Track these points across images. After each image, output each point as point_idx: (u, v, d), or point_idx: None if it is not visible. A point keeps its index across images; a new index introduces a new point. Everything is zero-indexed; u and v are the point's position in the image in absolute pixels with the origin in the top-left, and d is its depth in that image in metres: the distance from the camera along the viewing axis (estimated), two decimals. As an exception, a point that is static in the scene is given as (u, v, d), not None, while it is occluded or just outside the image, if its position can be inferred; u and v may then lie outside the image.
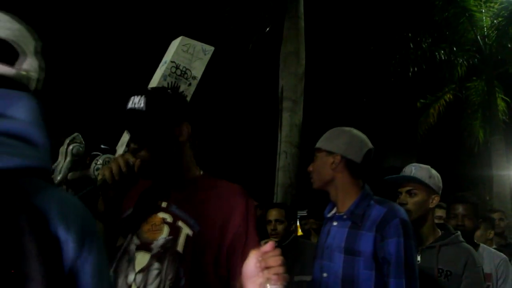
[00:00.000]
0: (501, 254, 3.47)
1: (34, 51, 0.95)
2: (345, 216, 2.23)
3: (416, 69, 11.71)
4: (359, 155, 2.27)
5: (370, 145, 2.32)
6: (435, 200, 2.61)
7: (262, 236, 3.77)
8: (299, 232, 5.40)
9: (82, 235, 0.81)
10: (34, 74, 0.94)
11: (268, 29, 9.67)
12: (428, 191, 2.58)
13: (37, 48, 0.96)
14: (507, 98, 12.16)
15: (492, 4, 11.16)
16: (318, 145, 2.34)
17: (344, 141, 2.29)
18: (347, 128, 2.36)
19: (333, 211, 2.36)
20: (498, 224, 4.60)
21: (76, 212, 0.82)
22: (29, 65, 0.93)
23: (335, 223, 2.27)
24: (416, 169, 2.60)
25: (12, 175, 0.76)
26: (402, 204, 2.53)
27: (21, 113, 0.83)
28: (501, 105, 12.11)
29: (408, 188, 2.58)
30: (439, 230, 2.65)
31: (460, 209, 3.25)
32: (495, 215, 4.65)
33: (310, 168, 2.35)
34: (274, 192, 7.87)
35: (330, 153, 2.28)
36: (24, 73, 0.92)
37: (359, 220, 2.18)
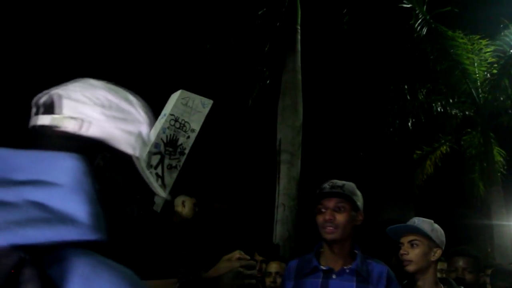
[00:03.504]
0: None
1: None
2: (348, 271, 2.26)
3: (413, 120, 11.83)
4: None
5: None
6: (437, 253, 2.59)
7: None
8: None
9: None
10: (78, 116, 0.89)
11: (267, 82, 9.83)
12: (430, 243, 2.56)
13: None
14: (502, 150, 12.24)
15: (484, 53, 11.38)
16: (347, 193, 2.28)
17: (362, 198, 2.37)
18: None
19: (324, 265, 2.32)
20: None
21: None
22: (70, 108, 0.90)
23: (334, 277, 2.27)
24: (419, 221, 2.61)
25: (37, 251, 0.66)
26: (403, 255, 2.54)
27: (57, 177, 0.73)
28: (498, 156, 12.16)
29: (410, 238, 2.57)
30: (441, 284, 2.61)
31: (460, 262, 3.25)
32: None
33: (330, 217, 2.26)
34: (273, 245, 7.78)
35: (357, 209, 2.32)
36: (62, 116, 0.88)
37: (366, 275, 2.24)
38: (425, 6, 10.31)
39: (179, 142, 5.67)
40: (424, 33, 10.72)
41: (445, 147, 13.16)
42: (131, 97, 1.00)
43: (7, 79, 11.36)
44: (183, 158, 5.72)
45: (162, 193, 1.02)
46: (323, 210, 2.29)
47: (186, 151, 5.76)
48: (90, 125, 0.89)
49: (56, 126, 0.87)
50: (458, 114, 12.13)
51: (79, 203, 0.71)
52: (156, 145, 5.93)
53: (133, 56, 13.44)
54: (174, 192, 5.36)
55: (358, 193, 2.36)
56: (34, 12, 12.53)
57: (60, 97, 0.90)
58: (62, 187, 0.72)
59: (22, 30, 12.63)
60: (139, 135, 0.96)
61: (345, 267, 2.27)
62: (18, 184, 0.72)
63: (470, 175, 12.87)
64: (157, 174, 5.89)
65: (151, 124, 1.00)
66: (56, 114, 0.88)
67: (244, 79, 9.88)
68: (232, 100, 10.38)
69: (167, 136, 5.57)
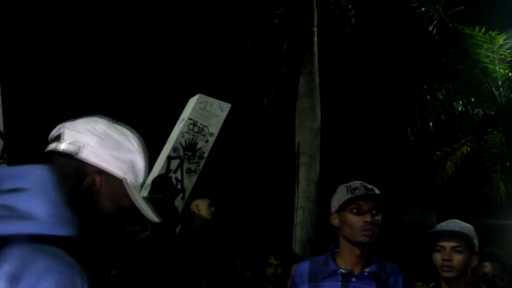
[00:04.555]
0: None
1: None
2: (367, 274, 2.23)
3: (435, 119, 11.70)
4: None
5: None
6: (476, 260, 2.51)
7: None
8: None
9: None
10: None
11: (285, 82, 9.81)
12: (471, 250, 2.48)
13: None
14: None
15: (504, 50, 11.21)
16: (380, 196, 2.28)
17: None
18: None
19: (343, 268, 2.27)
20: None
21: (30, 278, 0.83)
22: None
23: (354, 280, 2.23)
24: (462, 227, 2.50)
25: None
26: (446, 260, 2.46)
27: (27, 184, 0.94)
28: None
29: (454, 244, 2.47)
30: None
31: (489, 267, 3.11)
32: None
33: (371, 220, 2.22)
34: (292, 247, 7.76)
35: (382, 213, 2.30)
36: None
37: (385, 278, 2.23)
38: (440, 7, 10.22)
39: (198, 146, 5.69)
40: (442, 33, 10.62)
41: (466, 148, 12.98)
42: (129, 132, 1.22)
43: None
44: (202, 162, 5.74)
45: (153, 217, 1.19)
46: (360, 211, 2.24)
47: (205, 155, 5.78)
48: (86, 150, 1.11)
49: (60, 150, 1.11)
50: (479, 114, 11.95)
51: (39, 204, 0.90)
52: (175, 149, 5.96)
53: (151, 62, 13.54)
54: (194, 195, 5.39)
55: None
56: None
57: (66, 128, 1.14)
58: (28, 191, 0.92)
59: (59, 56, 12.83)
60: (131, 162, 1.17)
61: (364, 270, 2.24)
62: (2, 192, 0.93)
63: (491, 175, 12.67)
64: (176, 178, 5.91)
65: (145, 155, 1.21)
66: (61, 141, 1.12)
67: (262, 80, 9.86)
68: (250, 103, 10.39)
69: (186, 140, 5.59)
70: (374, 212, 2.22)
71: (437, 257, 2.51)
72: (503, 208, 12.72)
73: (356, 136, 13.76)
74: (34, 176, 0.96)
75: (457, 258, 2.45)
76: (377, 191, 2.28)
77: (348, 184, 2.32)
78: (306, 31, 9.24)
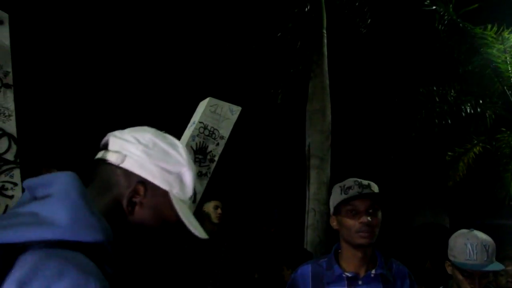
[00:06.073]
0: None
1: None
2: (373, 276, 2.13)
3: (443, 122, 11.64)
4: None
5: None
6: None
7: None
8: None
9: None
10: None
11: (295, 83, 9.81)
12: None
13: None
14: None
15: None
16: (377, 193, 2.13)
17: None
18: None
19: (349, 272, 2.16)
20: None
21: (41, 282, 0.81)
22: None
23: (360, 283, 2.12)
24: (493, 256, 2.40)
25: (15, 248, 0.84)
26: (488, 283, 2.47)
27: (53, 190, 0.94)
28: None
29: (485, 271, 2.43)
30: None
31: (511, 266, 3.15)
32: None
33: (366, 221, 2.07)
34: (304, 250, 7.75)
35: (381, 209, 2.17)
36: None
37: (392, 279, 2.14)
38: (451, 6, 10.17)
39: (209, 150, 5.71)
40: (452, 33, 10.56)
41: (478, 148, 12.88)
42: (178, 144, 1.17)
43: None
44: (213, 165, 5.76)
45: (197, 232, 1.15)
46: (356, 212, 2.09)
47: (216, 158, 5.79)
48: (130, 159, 1.08)
49: (104, 158, 1.10)
50: (491, 114, 11.86)
51: (60, 209, 0.89)
52: (186, 152, 5.98)
53: (161, 65, 13.61)
54: (205, 198, 5.40)
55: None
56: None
57: (113, 136, 1.13)
58: (52, 197, 0.92)
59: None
60: (178, 174, 1.13)
61: (370, 272, 2.14)
62: (34, 199, 0.96)
63: (504, 175, 12.55)
64: (187, 181, 5.93)
65: (193, 168, 1.18)
66: (107, 150, 1.11)
67: (271, 82, 9.85)
68: (260, 106, 10.40)
69: (196, 143, 5.61)
70: (370, 211, 2.08)
71: (465, 282, 2.44)
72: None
73: (367, 137, 13.71)
74: (59, 182, 0.95)
75: (484, 282, 2.42)
76: (373, 188, 2.15)
77: (342, 184, 2.20)
78: (316, 33, 9.24)
